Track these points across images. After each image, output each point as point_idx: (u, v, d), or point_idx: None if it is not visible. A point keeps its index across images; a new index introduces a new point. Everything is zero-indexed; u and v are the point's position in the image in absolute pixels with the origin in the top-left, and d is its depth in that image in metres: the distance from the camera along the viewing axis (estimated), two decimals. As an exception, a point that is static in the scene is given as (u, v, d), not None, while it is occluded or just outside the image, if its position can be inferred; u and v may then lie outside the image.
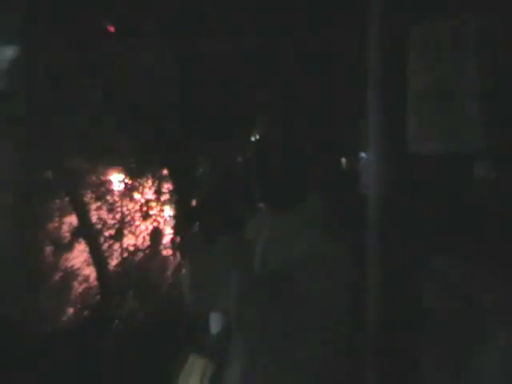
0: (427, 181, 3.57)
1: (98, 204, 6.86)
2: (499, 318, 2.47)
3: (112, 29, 5.74)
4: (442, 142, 3.57)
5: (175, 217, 6.56)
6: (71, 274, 6.81)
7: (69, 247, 6.78)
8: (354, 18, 4.04)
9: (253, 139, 2.93)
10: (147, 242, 6.93)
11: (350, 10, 4.31)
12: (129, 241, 6.92)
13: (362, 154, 4.03)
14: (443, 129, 3.57)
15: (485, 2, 3.63)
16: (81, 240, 6.79)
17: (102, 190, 6.85)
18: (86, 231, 6.73)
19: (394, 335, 3.21)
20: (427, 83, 3.66)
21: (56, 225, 6.78)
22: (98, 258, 6.72)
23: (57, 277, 6.75)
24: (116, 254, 6.91)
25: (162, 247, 6.88)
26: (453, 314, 2.68)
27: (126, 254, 6.90)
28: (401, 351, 3.28)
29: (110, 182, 6.86)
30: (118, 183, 6.87)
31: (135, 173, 6.83)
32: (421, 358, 3.02)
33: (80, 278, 6.87)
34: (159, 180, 6.80)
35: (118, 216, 6.91)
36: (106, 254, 6.84)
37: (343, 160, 4.46)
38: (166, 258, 6.84)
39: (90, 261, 6.76)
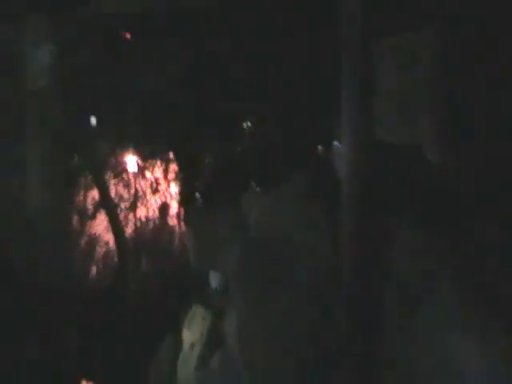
0: (392, 166, 3.59)
1: (116, 181, 6.86)
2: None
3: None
4: (405, 133, 3.58)
5: (181, 193, 6.57)
6: (94, 239, 6.83)
7: (92, 217, 6.80)
8: (330, 28, 4.00)
9: (247, 129, 2.95)
10: (156, 214, 6.93)
11: (325, 21, 4.26)
12: (141, 212, 6.92)
13: (336, 143, 4.03)
14: (407, 123, 3.58)
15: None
16: (102, 211, 6.80)
17: (119, 170, 6.85)
18: (106, 204, 6.74)
19: (364, 286, 3.23)
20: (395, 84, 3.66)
21: (82, 198, 6.79)
22: (116, 226, 6.73)
23: (83, 241, 6.78)
24: (131, 223, 6.92)
25: (168, 217, 6.89)
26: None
27: (138, 223, 6.90)
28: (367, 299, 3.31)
29: (125, 163, 6.86)
30: (133, 164, 6.86)
31: (147, 156, 6.83)
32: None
33: (101, 243, 6.88)
34: (166, 162, 6.80)
35: (132, 191, 6.91)
36: (123, 223, 6.85)
37: (320, 148, 4.46)
38: (172, 226, 6.85)
39: (110, 228, 6.77)
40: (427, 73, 3.59)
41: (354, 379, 3.41)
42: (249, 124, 3.54)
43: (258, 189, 3.04)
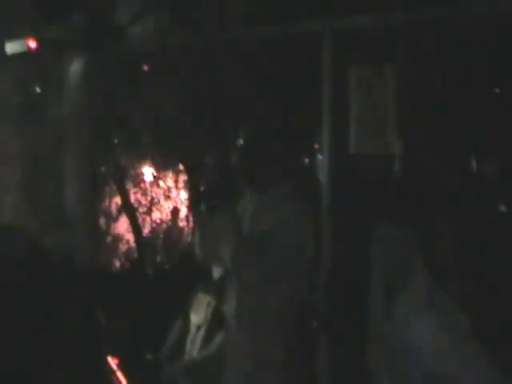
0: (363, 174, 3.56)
1: (135, 190, 6.84)
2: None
3: None
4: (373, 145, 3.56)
5: (189, 199, 6.53)
6: (118, 238, 6.81)
7: (115, 219, 6.79)
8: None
9: (241, 144, 2.89)
10: (169, 216, 6.90)
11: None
12: (156, 215, 6.90)
13: (319, 155, 3.97)
14: (375, 136, 3.56)
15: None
16: (123, 214, 6.77)
17: (138, 180, 6.84)
18: (127, 208, 6.70)
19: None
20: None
21: (107, 204, 6.77)
22: (136, 227, 6.69)
23: (108, 239, 6.76)
24: (147, 225, 6.89)
25: (179, 220, 6.85)
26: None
27: (154, 225, 6.87)
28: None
29: (143, 174, 6.84)
30: (149, 175, 6.84)
31: (161, 168, 6.79)
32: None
33: (123, 241, 6.86)
34: (177, 173, 6.76)
35: (148, 198, 6.90)
36: (141, 224, 6.81)
37: (306, 159, 4.42)
38: (181, 227, 6.81)
39: (130, 229, 6.73)
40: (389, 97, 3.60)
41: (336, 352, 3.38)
42: (241, 139, 3.49)
43: (251, 192, 2.97)
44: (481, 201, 3.69)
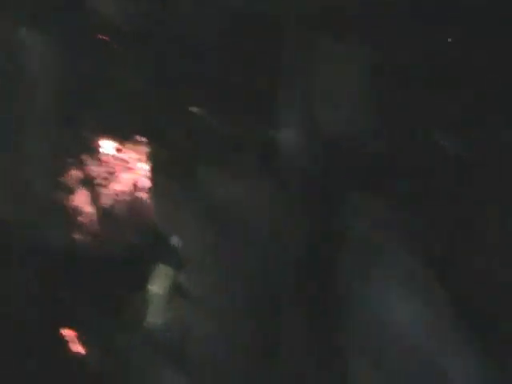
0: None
1: (95, 162, 6.77)
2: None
3: None
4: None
5: (150, 171, 6.47)
6: (76, 211, 6.73)
7: (74, 191, 6.73)
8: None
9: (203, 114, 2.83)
10: (129, 188, 6.83)
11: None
12: (116, 187, 6.84)
13: (284, 128, 3.91)
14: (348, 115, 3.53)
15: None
16: (83, 187, 6.71)
17: (98, 152, 6.77)
18: (87, 180, 6.64)
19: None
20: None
21: (68, 176, 6.70)
22: (95, 199, 6.62)
23: (69, 212, 6.68)
24: (107, 197, 6.83)
25: (138, 191, 6.78)
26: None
27: (114, 196, 6.81)
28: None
29: (103, 146, 6.77)
30: (109, 147, 6.78)
31: (122, 139, 6.72)
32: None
33: (83, 214, 6.77)
34: (138, 144, 6.68)
35: (109, 170, 6.83)
36: (101, 197, 6.74)
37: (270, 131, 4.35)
38: (142, 198, 6.74)
39: (90, 201, 6.67)
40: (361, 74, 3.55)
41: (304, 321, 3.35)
42: (204, 109, 3.41)
43: (213, 164, 2.92)
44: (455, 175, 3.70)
